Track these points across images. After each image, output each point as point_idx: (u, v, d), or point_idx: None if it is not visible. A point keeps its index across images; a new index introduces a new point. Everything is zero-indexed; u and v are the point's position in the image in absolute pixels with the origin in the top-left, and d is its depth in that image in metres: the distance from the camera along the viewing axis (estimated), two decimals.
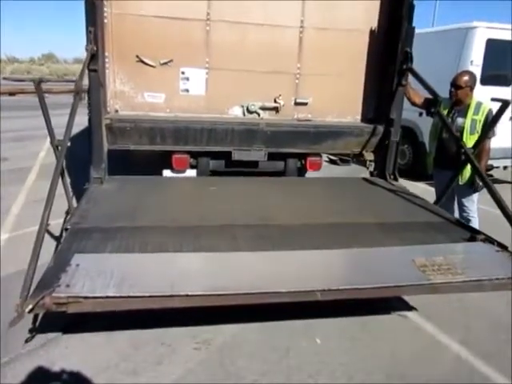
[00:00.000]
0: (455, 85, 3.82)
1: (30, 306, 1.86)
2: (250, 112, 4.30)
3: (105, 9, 3.74)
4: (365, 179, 4.42)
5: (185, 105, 4.17)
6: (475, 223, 3.88)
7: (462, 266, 2.41)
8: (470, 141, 3.69)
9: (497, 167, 7.00)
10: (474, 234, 2.89)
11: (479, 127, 3.74)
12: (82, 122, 4.66)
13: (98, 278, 2.07)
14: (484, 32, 6.55)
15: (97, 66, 3.55)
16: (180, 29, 3.96)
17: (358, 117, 4.53)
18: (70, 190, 3.30)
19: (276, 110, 4.34)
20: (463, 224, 3.32)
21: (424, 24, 23.31)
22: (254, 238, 2.75)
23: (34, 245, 2.19)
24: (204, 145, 4.08)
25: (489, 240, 2.80)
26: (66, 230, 2.68)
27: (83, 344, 2.81)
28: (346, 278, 2.40)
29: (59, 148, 3.00)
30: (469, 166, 3.81)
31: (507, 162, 7.09)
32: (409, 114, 5.54)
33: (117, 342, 2.84)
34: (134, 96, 4.06)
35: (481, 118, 3.75)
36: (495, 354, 2.86)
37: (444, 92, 3.77)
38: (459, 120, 3.82)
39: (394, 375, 2.64)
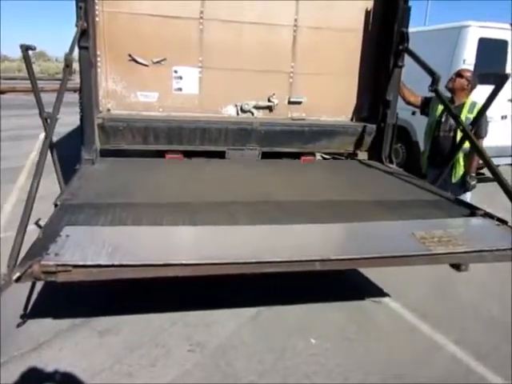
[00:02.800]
0: (457, 73, 3.96)
1: (18, 274, 1.77)
2: (243, 111, 4.27)
3: (96, 7, 3.69)
4: (361, 162, 4.39)
5: (178, 104, 4.13)
6: None
7: (462, 238, 2.38)
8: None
9: None
10: (473, 210, 2.87)
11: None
12: (74, 121, 4.64)
13: (89, 247, 1.98)
14: (476, 31, 6.57)
15: (88, 43, 3.45)
16: (173, 27, 3.91)
17: (353, 116, 4.51)
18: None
19: (270, 109, 4.31)
20: (462, 201, 3.29)
21: (416, 24, 23.39)
22: (253, 213, 2.70)
23: (22, 211, 2.12)
24: (197, 144, 4.05)
25: (488, 215, 2.78)
26: (56, 205, 2.59)
27: (77, 346, 2.78)
28: (344, 249, 2.36)
29: (48, 121, 2.93)
30: (462, 164, 3.84)
31: (500, 161, 7.12)
32: (402, 112, 5.52)
33: (111, 344, 2.82)
34: (126, 95, 4.01)
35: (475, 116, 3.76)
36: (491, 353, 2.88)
37: None
38: None
39: (391, 376, 2.64)
